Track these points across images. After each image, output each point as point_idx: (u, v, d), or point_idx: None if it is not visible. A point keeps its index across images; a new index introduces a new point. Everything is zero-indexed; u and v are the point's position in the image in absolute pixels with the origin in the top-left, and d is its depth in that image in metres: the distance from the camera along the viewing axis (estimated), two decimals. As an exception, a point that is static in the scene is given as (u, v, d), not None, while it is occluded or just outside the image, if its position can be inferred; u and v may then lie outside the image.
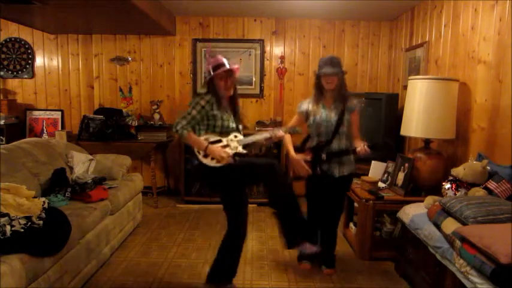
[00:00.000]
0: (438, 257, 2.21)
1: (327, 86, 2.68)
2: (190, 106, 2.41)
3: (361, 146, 2.65)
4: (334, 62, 2.67)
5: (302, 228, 2.43)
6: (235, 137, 2.51)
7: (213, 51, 2.42)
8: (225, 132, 2.47)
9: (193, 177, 2.49)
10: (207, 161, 2.40)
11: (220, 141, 2.45)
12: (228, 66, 2.41)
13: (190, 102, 2.43)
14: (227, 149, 2.43)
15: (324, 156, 2.74)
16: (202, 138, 2.42)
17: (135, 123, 4.60)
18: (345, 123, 2.72)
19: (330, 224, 2.96)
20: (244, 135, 2.58)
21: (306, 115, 2.82)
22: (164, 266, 2.98)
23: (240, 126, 2.60)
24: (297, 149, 2.86)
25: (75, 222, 2.46)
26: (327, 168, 2.77)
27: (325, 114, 2.75)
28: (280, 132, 2.59)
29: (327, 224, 2.96)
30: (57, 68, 5.04)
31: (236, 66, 2.50)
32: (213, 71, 2.40)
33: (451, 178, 2.67)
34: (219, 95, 2.42)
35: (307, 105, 2.82)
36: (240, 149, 2.50)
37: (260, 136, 2.61)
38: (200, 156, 2.42)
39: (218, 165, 2.39)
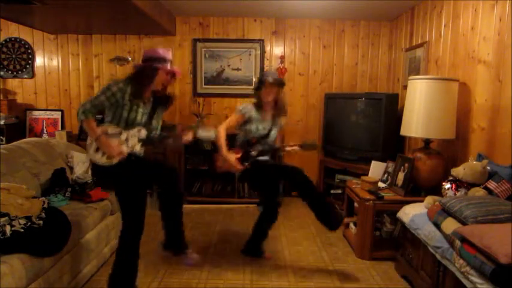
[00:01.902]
0: (438, 257, 2.21)
1: (267, 97, 2.96)
2: (100, 90, 2.28)
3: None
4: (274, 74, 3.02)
5: None
6: (138, 131, 2.37)
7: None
8: (130, 124, 2.33)
9: (97, 179, 2.42)
10: (96, 157, 2.28)
11: (119, 134, 2.32)
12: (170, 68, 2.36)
13: (101, 88, 2.30)
14: (123, 146, 2.30)
15: (253, 152, 2.99)
16: (100, 128, 2.27)
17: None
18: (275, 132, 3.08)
19: (308, 190, 3.00)
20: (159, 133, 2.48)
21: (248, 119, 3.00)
22: (164, 265, 2.98)
23: (157, 123, 2.48)
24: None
25: (75, 222, 2.46)
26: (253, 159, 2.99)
27: (262, 124, 3.02)
28: (189, 137, 2.57)
29: (305, 191, 3.02)
30: (57, 68, 5.04)
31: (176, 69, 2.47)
32: (159, 62, 2.31)
33: (451, 178, 2.67)
34: (144, 85, 2.31)
35: (250, 110, 3.01)
36: (138, 148, 2.38)
37: (166, 136, 2.55)
38: (91, 151, 2.29)
39: (108, 163, 2.26)
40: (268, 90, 2.95)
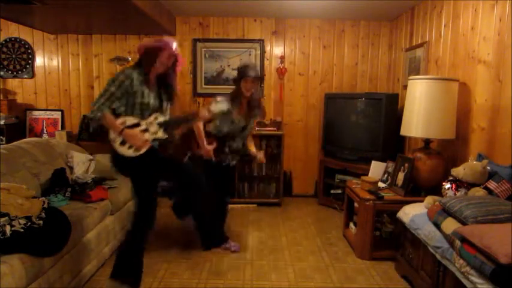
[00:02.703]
0: (438, 257, 2.21)
1: (246, 92, 3.00)
2: (107, 83, 2.26)
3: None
4: (256, 69, 3.10)
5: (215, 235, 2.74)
6: (155, 118, 2.38)
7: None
8: (145, 111, 2.33)
9: (117, 169, 2.48)
10: (123, 150, 2.28)
11: (138, 124, 2.31)
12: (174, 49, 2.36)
13: (108, 81, 2.28)
14: (146, 134, 2.31)
15: (227, 149, 3.13)
16: (118, 121, 2.26)
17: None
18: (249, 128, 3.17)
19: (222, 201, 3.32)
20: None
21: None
22: (164, 265, 2.98)
23: (167, 106, 2.49)
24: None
25: (75, 222, 2.46)
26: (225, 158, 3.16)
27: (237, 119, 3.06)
28: (204, 113, 2.59)
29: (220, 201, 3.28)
30: (57, 68, 5.04)
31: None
32: (161, 45, 2.32)
33: (451, 178, 2.67)
34: (149, 69, 2.32)
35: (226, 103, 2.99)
36: (160, 134, 2.40)
37: (184, 118, 2.61)
38: (116, 145, 2.28)
39: (136, 154, 2.27)
40: (248, 84, 2.99)
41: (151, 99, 2.34)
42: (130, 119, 2.30)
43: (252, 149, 3.28)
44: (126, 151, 2.29)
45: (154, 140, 2.39)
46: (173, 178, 2.67)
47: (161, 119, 2.41)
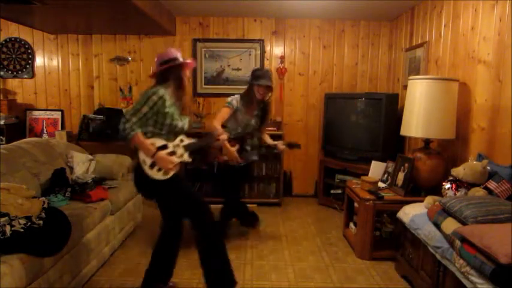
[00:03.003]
0: (438, 257, 2.21)
1: (259, 95, 3.18)
2: (139, 102, 2.20)
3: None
4: (271, 76, 3.22)
5: (225, 275, 2.42)
6: (181, 141, 2.35)
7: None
8: (173, 132, 2.31)
9: (143, 193, 2.44)
10: (153, 173, 2.23)
11: (165, 146, 2.27)
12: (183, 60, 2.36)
13: (139, 100, 2.22)
14: (174, 158, 2.28)
15: (248, 147, 3.28)
16: (149, 142, 2.22)
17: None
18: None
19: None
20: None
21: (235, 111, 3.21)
22: (164, 266, 2.98)
23: (186, 124, 2.44)
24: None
25: (75, 222, 2.46)
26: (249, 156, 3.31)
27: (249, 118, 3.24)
28: (224, 136, 2.64)
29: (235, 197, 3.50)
30: (57, 68, 5.04)
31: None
32: (177, 60, 2.31)
33: (451, 178, 2.67)
34: (180, 87, 2.33)
35: (236, 102, 3.21)
36: (186, 157, 2.37)
37: (206, 141, 2.63)
38: (146, 167, 2.23)
39: (165, 177, 2.25)
40: (261, 89, 3.18)
41: (180, 119, 2.32)
42: (159, 141, 2.26)
43: (269, 140, 3.45)
44: (156, 174, 2.24)
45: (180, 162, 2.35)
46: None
47: (186, 142, 2.38)
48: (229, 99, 3.25)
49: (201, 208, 2.38)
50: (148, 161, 2.22)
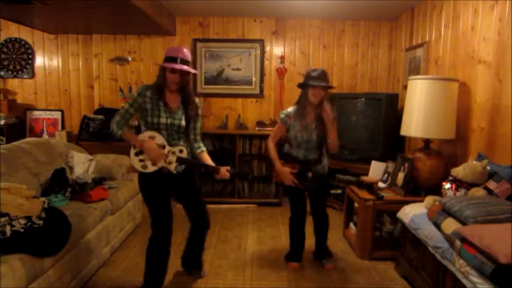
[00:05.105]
0: (438, 257, 2.21)
1: (313, 98, 2.67)
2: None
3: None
4: (326, 76, 2.67)
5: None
6: (180, 151, 2.34)
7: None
8: (157, 129, 2.29)
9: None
10: (134, 161, 2.28)
11: (164, 147, 2.30)
12: (179, 64, 2.25)
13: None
14: (162, 151, 2.27)
15: (310, 174, 2.83)
16: (146, 134, 2.27)
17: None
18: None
19: (320, 218, 3.05)
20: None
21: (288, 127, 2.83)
22: (164, 266, 2.97)
23: (195, 130, 2.47)
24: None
25: (75, 222, 2.46)
26: (310, 184, 2.85)
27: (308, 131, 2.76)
28: (225, 172, 2.38)
29: (317, 218, 3.05)
30: (57, 68, 5.04)
31: (185, 67, 2.30)
32: (166, 61, 2.26)
33: (451, 178, 2.67)
34: (163, 86, 2.30)
35: (288, 116, 2.80)
36: (172, 167, 2.32)
37: (203, 164, 2.45)
38: (132, 153, 2.28)
39: (141, 170, 2.27)
40: (315, 91, 2.65)
41: (162, 118, 2.29)
42: (150, 132, 2.29)
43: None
44: (136, 163, 2.28)
45: (163, 167, 2.32)
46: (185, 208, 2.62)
47: (185, 154, 2.36)
48: (281, 114, 2.85)
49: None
50: (137, 158, 2.29)
